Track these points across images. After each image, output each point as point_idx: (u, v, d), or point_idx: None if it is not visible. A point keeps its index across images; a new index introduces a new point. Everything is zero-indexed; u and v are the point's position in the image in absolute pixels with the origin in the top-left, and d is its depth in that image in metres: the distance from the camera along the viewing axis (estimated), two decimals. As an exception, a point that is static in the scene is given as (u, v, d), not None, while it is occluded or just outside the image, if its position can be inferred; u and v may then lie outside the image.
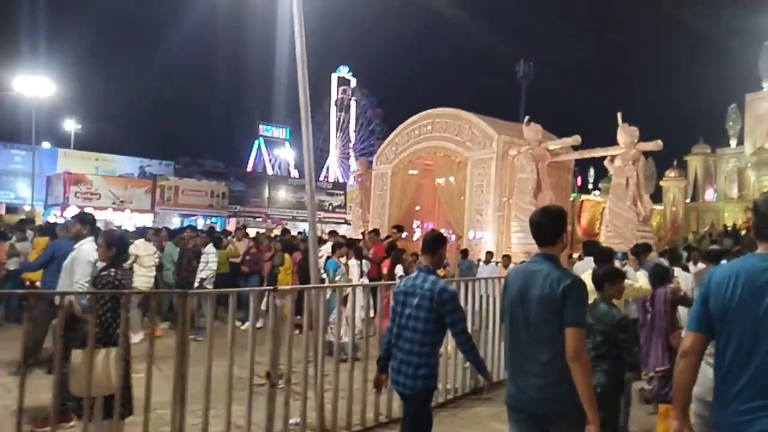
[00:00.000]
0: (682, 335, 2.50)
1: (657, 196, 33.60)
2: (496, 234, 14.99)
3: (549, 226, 2.89)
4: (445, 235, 4.90)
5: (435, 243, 3.89)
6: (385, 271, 10.55)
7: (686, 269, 8.99)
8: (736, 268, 2.22)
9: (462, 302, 5.88)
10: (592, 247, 8.61)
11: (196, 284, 9.34)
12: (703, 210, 32.31)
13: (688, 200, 32.61)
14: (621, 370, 4.11)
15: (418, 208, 19.20)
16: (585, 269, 5.98)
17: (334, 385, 5.19)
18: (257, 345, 4.58)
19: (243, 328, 6.69)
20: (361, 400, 5.34)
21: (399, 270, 10.01)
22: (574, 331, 2.66)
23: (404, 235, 13.81)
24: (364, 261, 10.48)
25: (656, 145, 12.80)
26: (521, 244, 14.01)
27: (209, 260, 9.58)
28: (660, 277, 5.92)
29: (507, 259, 12.24)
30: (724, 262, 9.57)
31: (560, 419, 2.75)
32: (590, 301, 3.79)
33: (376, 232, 13.18)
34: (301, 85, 5.43)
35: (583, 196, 33.51)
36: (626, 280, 5.44)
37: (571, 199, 31.62)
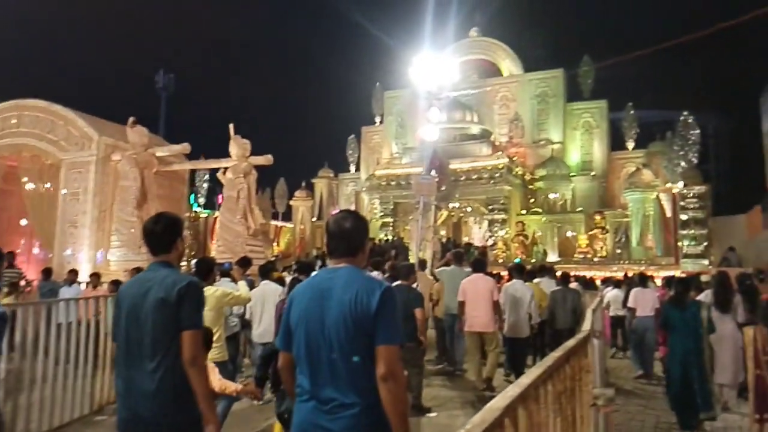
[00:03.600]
0: None
1: (288, 215, 35.49)
2: (93, 250, 12.86)
3: (162, 233, 2.83)
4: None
5: None
6: None
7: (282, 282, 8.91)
8: (307, 284, 2.51)
9: (35, 331, 5.59)
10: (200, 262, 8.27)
11: None
12: (326, 228, 35.28)
13: (314, 219, 35.16)
14: None
15: (24, 222, 15.65)
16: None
17: None
18: None
19: None
20: None
21: None
22: (191, 334, 2.65)
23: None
24: None
25: (266, 159, 12.78)
26: (122, 261, 12.28)
27: None
28: None
29: (96, 278, 10.38)
30: (314, 273, 9.83)
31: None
32: None
33: None
34: None
35: (217, 213, 33.27)
36: (226, 289, 5.67)
37: (206, 215, 31.01)
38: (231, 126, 12.53)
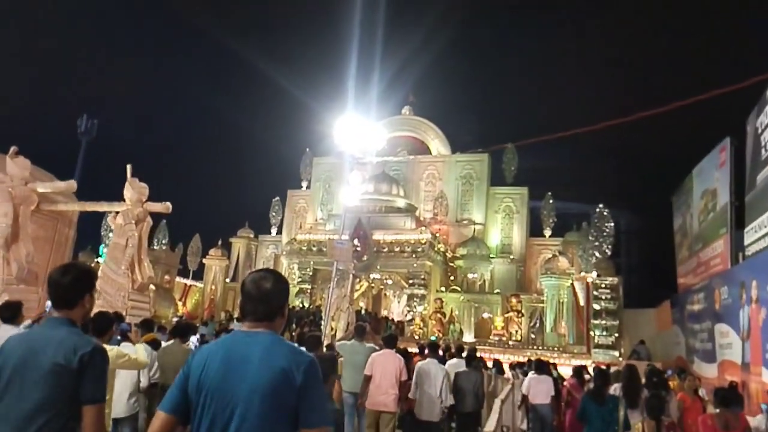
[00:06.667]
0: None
1: (200, 274, 33.57)
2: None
3: (69, 286, 2.48)
4: None
5: None
6: None
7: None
8: (216, 346, 2.21)
9: None
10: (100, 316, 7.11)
11: None
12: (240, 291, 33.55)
13: (228, 280, 33.42)
14: None
15: None
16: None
17: None
18: None
19: None
20: None
21: None
22: (95, 410, 2.33)
23: None
24: None
25: (164, 206, 11.66)
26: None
27: None
28: None
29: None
30: (194, 337, 8.66)
31: None
32: None
33: None
34: None
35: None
36: (122, 349, 5.16)
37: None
38: (128, 167, 11.42)
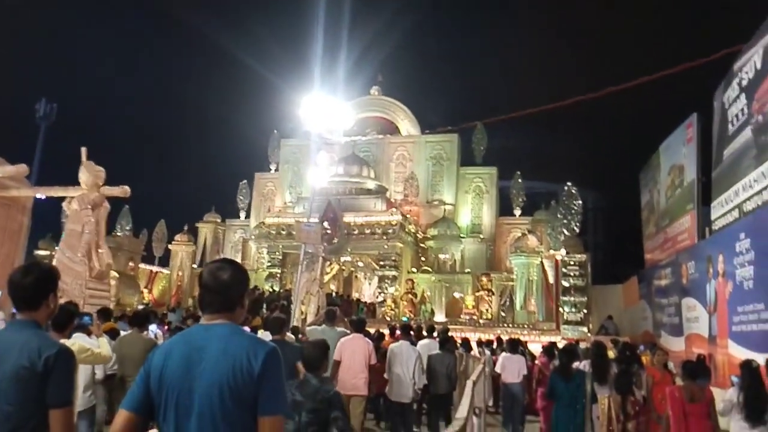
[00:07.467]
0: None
1: (166, 260, 32.81)
2: None
3: (30, 287, 2.41)
4: None
5: None
6: None
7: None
8: (176, 341, 2.17)
9: None
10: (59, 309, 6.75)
11: None
12: (207, 276, 32.88)
13: (195, 266, 32.77)
14: None
15: None
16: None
17: None
18: None
19: None
20: None
21: None
22: (62, 414, 2.29)
23: None
24: None
25: (122, 191, 11.18)
26: None
27: None
28: None
29: None
30: (153, 326, 8.32)
31: None
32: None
33: None
34: None
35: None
36: (84, 343, 5.00)
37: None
38: (83, 150, 10.89)
